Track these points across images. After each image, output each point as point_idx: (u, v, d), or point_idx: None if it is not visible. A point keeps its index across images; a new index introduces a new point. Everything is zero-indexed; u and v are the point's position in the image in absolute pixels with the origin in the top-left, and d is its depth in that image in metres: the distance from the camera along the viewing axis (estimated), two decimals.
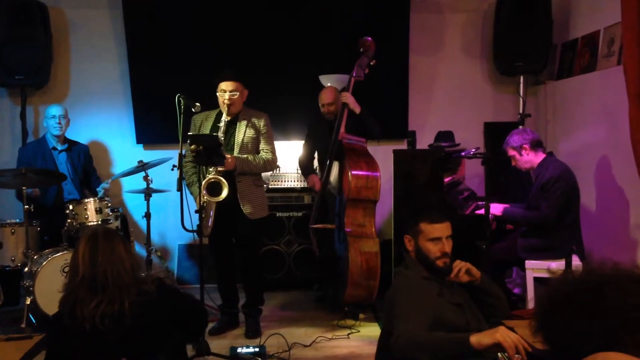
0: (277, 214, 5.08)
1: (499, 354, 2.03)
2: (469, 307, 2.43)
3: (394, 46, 5.26)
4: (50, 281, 3.89)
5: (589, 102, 4.56)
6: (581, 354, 1.33)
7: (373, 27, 4.96)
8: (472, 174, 5.15)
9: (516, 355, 1.93)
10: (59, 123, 4.72)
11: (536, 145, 4.00)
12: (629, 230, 4.10)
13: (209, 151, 3.67)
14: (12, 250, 4.17)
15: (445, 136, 4.78)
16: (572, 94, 4.88)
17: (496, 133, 4.92)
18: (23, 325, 3.86)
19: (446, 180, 4.49)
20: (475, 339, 1.97)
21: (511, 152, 4.05)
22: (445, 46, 5.55)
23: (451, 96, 5.55)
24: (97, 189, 4.71)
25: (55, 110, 4.74)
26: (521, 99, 5.20)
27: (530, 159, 4.00)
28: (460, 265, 2.44)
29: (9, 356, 2.42)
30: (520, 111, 5.19)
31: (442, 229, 2.41)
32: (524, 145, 3.98)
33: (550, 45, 5.02)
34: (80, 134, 5.13)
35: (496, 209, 4.10)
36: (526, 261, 3.89)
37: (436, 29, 5.54)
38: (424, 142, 5.08)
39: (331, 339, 3.87)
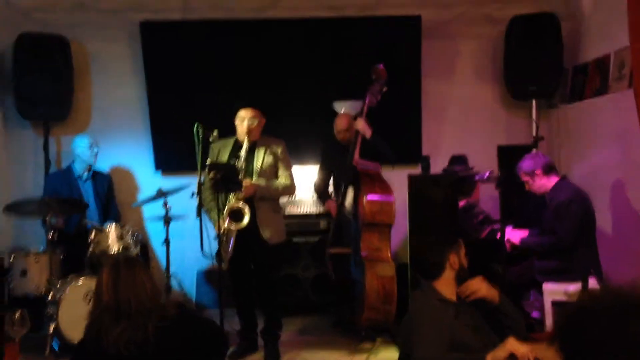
0: (294, 239, 5.14)
1: None
2: (484, 331, 2.47)
3: (407, 72, 5.34)
4: (73, 308, 3.97)
5: (601, 124, 4.60)
6: None
7: (386, 54, 5.04)
8: (487, 196, 5.18)
9: None
10: (91, 152, 4.84)
11: (549, 169, 4.04)
12: None
13: (226, 178, 3.77)
14: (35, 278, 4.26)
15: (458, 160, 4.83)
16: (584, 117, 4.92)
17: (510, 156, 4.95)
18: (47, 353, 3.93)
19: (461, 204, 4.53)
20: (490, 356, 2.02)
21: (524, 177, 4.09)
22: (457, 71, 5.63)
23: (464, 120, 5.61)
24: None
25: (87, 140, 4.87)
26: (534, 122, 5.23)
27: (543, 183, 4.03)
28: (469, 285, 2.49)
29: None
30: (534, 134, 5.22)
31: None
32: (537, 170, 4.02)
33: (561, 69, 5.07)
34: (102, 163, 5.26)
35: (514, 236, 4.13)
36: (543, 284, 3.89)
37: (448, 55, 5.62)
38: (438, 166, 5.12)
39: None
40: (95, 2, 5.23)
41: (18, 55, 5.02)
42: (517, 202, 4.70)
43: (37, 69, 5.02)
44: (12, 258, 4.26)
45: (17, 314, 2.65)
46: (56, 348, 3.97)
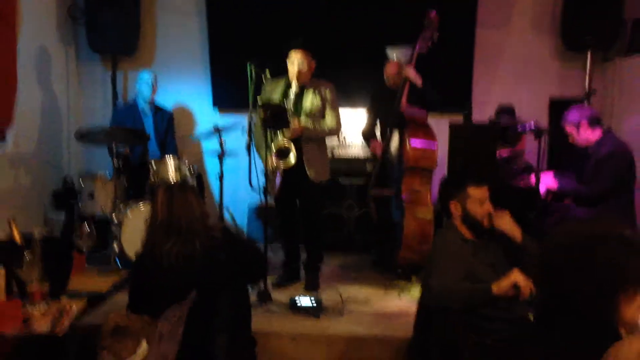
0: (340, 180, 5.37)
1: None
2: (502, 267, 2.65)
3: (462, 20, 5.37)
4: (134, 230, 4.33)
5: None
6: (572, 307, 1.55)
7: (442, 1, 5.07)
8: (534, 148, 5.22)
9: None
10: (150, 88, 5.17)
11: (594, 122, 4.07)
12: None
13: (276, 117, 3.99)
14: (102, 200, 4.64)
15: (505, 110, 4.88)
16: (638, 71, 4.85)
17: (561, 109, 4.94)
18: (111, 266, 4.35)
19: (505, 154, 4.62)
20: (495, 285, 2.22)
21: (569, 129, 4.13)
22: (513, 21, 5.59)
23: (517, 71, 5.61)
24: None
25: (147, 76, 5.19)
26: (587, 76, 5.19)
27: (587, 135, 4.07)
28: (504, 217, 2.66)
29: (101, 286, 2.88)
30: (587, 88, 5.19)
31: (485, 192, 2.64)
32: (582, 122, 4.05)
33: (620, 21, 4.98)
34: (164, 98, 5.58)
35: (552, 183, 4.21)
36: None
37: (506, 4, 5.58)
38: (488, 115, 5.19)
39: (383, 297, 4.15)
40: None
41: None
42: (565, 154, 4.75)
43: (108, 6, 5.32)
44: (82, 181, 4.66)
45: (85, 228, 3.00)
46: (118, 264, 4.39)
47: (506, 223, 2.64)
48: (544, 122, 5.26)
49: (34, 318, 2.26)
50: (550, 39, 5.52)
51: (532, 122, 4.35)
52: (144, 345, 2.04)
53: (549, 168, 5.10)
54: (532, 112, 5.26)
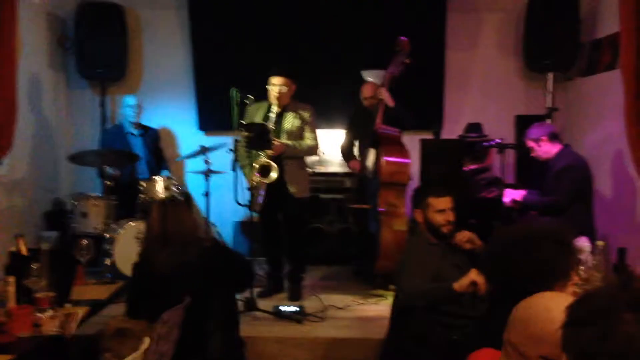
0: (321, 196, 5.66)
1: None
2: (467, 268, 2.94)
3: (432, 43, 5.74)
4: (126, 246, 4.58)
5: (608, 99, 4.91)
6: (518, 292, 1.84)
7: (412, 26, 5.44)
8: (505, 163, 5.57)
9: None
10: (135, 111, 5.44)
11: (553, 137, 4.41)
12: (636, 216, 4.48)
13: (259, 137, 4.29)
14: (94, 219, 4.89)
15: (473, 128, 5.23)
16: (595, 90, 5.24)
17: (526, 125, 5.33)
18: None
19: (472, 167, 4.95)
20: (457, 283, 2.52)
21: (530, 143, 4.47)
22: (480, 43, 5.98)
23: (485, 91, 5.98)
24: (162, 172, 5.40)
25: (131, 101, 5.46)
26: (550, 94, 5.57)
27: (547, 149, 4.41)
28: (463, 233, 2.97)
29: (100, 295, 3.13)
30: (549, 105, 5.56)
31: (445, 202, 2.95)
32: (542, 137, 4.39)
33: (577, 45, 5.37)
34: (151, 120, 5.84)
35: (517, 195, 4.54)
36: None
37: (472, 27, 5.98)
38: (457, 133, 5.54)
39: (361, 303, 4.43)
40: None
41: (79, 21, 5.62)
42: (532, 168, 5.10)
43: (96, 35, 5.60)
44: (75, 201, 4.90)
45: (84, 242, 3.25)
46: (111, 278, 4.60)
47: (464, 241, 2.94)
48: (511, 137, 5.63)
49: (43, 322, 2.50)
50: (515, 61, 5.90)
51: (496, 139, 4.68)
52: (146, 341, 2.29)
53: (516, 181, 5.46)
54: (499, 129, 5.62)
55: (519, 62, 5.85)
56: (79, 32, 5.65)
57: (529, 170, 5.12)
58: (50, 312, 2.56)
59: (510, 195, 4.47)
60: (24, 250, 2.81)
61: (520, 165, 5.64)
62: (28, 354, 2.33)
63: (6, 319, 2.46)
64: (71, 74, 5.94)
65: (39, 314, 2.53)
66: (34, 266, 2.67)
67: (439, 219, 2.93)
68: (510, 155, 5.56)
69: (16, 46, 3.72)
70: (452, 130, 5.67)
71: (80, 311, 2.72)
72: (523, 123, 5.59)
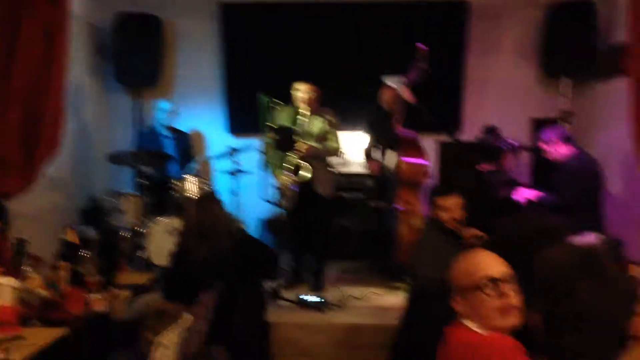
0: (344, 195, 5.93)
1: None
2: None
3: (453, 52, 6.01)
4: (158, 240, 4.90)
5: (621, 103, 5.08)
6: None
7: (435, 32, 5.74)
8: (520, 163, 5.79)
9: None
10: (168, 115, 5.77)
11: (565, 139, 4.61)
12: None
13: (286, 140, 4.61)
14: (129, 215, 5.23)
15: (490, 130, 5.45)
16: (609, 95, 5.42)
17: (542, 128, 5.55)
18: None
19: (489, 168, 5.17)
20: None
21: (543, 145, 4.68)
22: (500, 49, 6.21)
23: (503, 95, 6.20)
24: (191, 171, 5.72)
25: (165, 105, 5.80)
26: (565, 98, 5.76)
27: (560, 151, 4.61)
28: (470, 230, 3.22)
29: (140, 281, 3.44)
30: (564, 109, 5.76)
31: (450, 201, 3.21)
32: (555, 139, 4.60)
33: (593, 52, 5.55)
34: (183, 124, 6.18)
35: (530, 194, 4.75)
36: None
37: (493, 34, 6.20)
38: (476, 134, 5.77)
39: (379, 294, 4.74)
40: None
41: (117, 30, 5.98)
42: (548, 169, 5.30)
43: (133, 43, 5.95)
44: (112, 198, 5.25)
45: (125, 235, 3.58)
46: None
47: (471, 237, 3.18)
48: (527, 140, 5.83)
49: (93, 302, 2.82)
50: (533, 66, 6.10)
51: (511, 141, 4.89)
52: (189, 318, 2.58)
53: (533, 181, 5.66)
54: (517, 132, 5.83)
55: (537, 68, 6.06)
56: (117, 42, 6.01)
57: (545, 173, 5.31)
58: (98, 294, 2.88)
59: (524, 195, 4.67)
60: (75, 239, 3.13)
61: (536, 168, 5.83)
62: (80, 329, 2.64)
63: (61, 300, 2.78)
64: (109, 79, 6.29)
65: (89, 295, 2.85)
66: (85, 254, 2.99)
67: (444, 216, 3.20)
68: (526, 157, 5.77)
69: (66, 64, 3.99)
70: (470, 132, 5.91)
71: (124, 294, 3.03)
72: (539, 126, 5.80)
